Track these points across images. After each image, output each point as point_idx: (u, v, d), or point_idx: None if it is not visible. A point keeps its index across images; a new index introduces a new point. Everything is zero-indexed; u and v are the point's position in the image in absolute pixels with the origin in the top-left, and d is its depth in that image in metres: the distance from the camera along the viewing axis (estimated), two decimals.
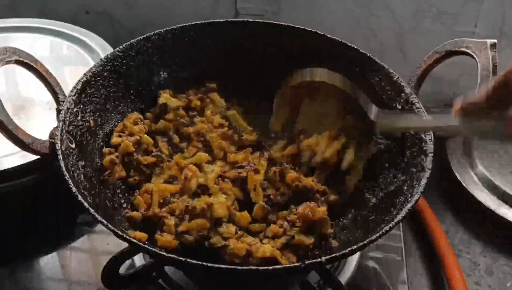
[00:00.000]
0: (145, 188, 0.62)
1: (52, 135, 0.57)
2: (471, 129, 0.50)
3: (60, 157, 0.53)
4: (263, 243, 0.57)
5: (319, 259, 0.47)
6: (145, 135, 0.67)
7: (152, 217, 0.59)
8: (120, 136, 0.65)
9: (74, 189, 0.51)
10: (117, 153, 0.63)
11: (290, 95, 0.67)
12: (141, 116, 0.69)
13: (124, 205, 0.62)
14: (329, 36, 0.71)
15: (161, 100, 0.71)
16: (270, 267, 0.47)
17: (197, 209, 0.57)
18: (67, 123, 0.58)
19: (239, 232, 0.58)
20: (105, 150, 0.64)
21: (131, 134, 0.66)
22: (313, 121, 0.68)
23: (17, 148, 0.56)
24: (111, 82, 0.67)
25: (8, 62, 0.57)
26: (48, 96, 0.63)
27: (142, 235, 0.55)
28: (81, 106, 0.61)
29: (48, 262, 0.72)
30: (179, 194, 0.62)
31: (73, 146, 0.58)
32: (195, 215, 0.58)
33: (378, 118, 0.61)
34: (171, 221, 0.58)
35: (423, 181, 0.54)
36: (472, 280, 0.72)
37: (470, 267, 0.74)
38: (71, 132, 0.58)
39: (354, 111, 0.63)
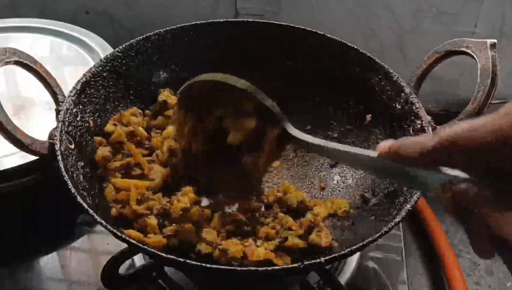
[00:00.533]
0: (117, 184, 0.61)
1: (51, 136, 0.57)
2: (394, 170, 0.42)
3: (59, 157, 0.53)
4: (257, 245, 0.57)
5: (318, 260, 0.47)
6: (140, 128, 0.67)
7: (128, 215, 0.58)
8: (115, 124, 0.65)
9: (73, 190, 0.51)
10: (110, 148, 0.63)
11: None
12: (140, 111, 0.69)
13: None
14: (329, 36, 0.71)
15: (161, 98, 0.71)
16: (269, 268, 0.47)
17: (173, 214, 0.57)
18: (67, 123, 0.58)
19: (221, 234, 0.58)
20: (96, 138, 0.63)
21: (126, 125, 0.66)
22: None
23: (17, 148, 0.56)
24: (111, 83, 0.67)
25: (7, 63, 0.57)
26: (48, 96, 0.62)
27: (138, 235, 0.55)
28: (80, 107, 0.61)
29: (48, 262, 0.72)
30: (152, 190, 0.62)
31: (73, 146, 0.58)
32: (173, 218, 0.57)
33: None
34: (153, 221, 0.57)
35: None
36: (472, 280, 0.72)
37: (470, 267, 0.74)
38: (71, 133, 0.58)
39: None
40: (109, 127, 0.65)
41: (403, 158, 0.40)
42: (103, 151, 0.62)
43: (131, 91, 0.70)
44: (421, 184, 0.40)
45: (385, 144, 0.41)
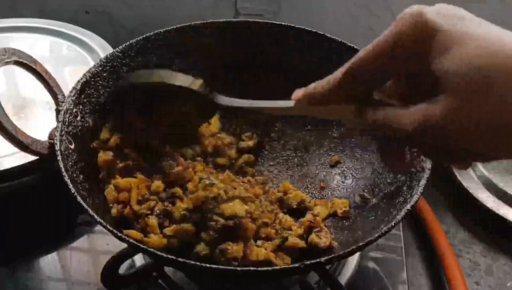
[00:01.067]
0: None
1: (51, 136, 0.57)
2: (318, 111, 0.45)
3: (59, 158, 0.53)
4: (257, 245, 0.57)
5: (318, 260, 0.47)
6: None
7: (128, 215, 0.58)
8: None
9: (73, 190, 0.51)
10: (111, 153, 0.62)
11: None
12: None
13: None
14: (329, 36, 0.71)
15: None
16: (270, 268, 0.47)
17: (176, 216, 0.57)
18: (67, 123, 0.58)
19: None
20: (94, 144, 0.62)
21: None
22: None
23: (17, 148, 0.56)
24: (111, 83, 0.67)
25: (7, 63, 0.57)
26: (48, 96, 0.63)
27: (138, 235, 0.55)
28: (80, 107, 0.61)
29: (48, 262, 0.72)
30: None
31: (73, 146, 0.57)
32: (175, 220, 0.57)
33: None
34: (153, 221, 0.57)
35: (423, 182, 0.54)
36: (472, 280, 0.72)
37: (470, 267, 0.74)
38: (71, 133, 0.58)
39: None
40: (104, 134, 0.64)
41: (317, 99, 0.43)
42: (106, 155, 0.61)
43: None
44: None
45: (298, 91, 0.45)
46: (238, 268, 0.51)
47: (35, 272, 0.70)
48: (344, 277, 0.67)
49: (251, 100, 0.53)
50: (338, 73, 0.41)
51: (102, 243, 0.73)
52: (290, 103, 0.47)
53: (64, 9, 1.07)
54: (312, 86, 0.44)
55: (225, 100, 0.56)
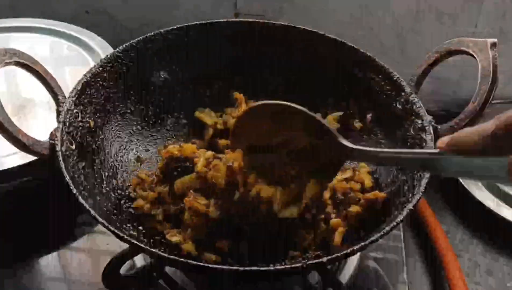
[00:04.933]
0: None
1: (52, 136, 0.57)
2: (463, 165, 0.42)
3: (61, 158, 0.53)
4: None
5: (320, 259, 0.47)
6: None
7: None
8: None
9: (74, 191, 0.51)
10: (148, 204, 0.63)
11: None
12: None
13: (125, 206, 0.63)
14: (329, 36, 0.71)
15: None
16: (272, 268, 0.47)
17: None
18: (67, 124, 0.58)
19: None
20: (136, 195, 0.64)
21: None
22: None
23: (17, 148, 0.56)
24: (111, 83, 0.67)
25: (7, 64, 0.57)
26: (48, 97, 0.62)
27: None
28: (81, 107, 0.61)
29: (48, 262, 0.72)
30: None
31: (73, 147, 0.58)
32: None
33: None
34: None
35: (424, 182, 0.54)
36: (472, 280, 0.72)
37: (470, 267, 0.74)
38: (71, 133, 0.58)
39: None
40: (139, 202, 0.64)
41: (463, 147, 0.40)
42: (146, 206, 0.63)
43: (132, 92, 0.70)
44: (485, 171, 0.41)
45: (444, 138, 0.42)
46: (240, 268, 0.51)
47: (35, 272, 0.70)
48: (344, 277, 0.67)
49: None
50: (492, 125, 0.38)
51: (102, 243, 0.73)
52: (432, 150, 0.45)
53: (64, 9, 1.07)
54: (458, 133, 0.41)
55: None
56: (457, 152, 0.41)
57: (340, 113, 0.72)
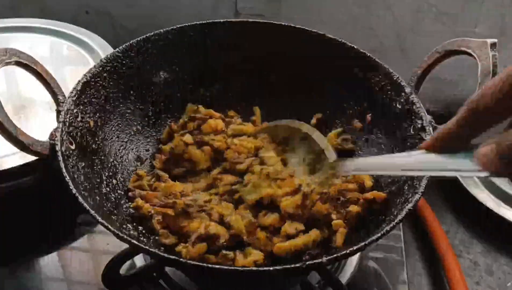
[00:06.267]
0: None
1: (52, 136, 0.57)
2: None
3: (61, 158, 0.53)
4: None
5: (320, 260, 0.47)
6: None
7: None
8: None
9: (74, 191, 0.51)
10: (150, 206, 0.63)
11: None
12: None
13: (125, 206, 0.63)
14: (329, 36, 0.71)
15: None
16: (271, 268, 0.47)
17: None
18: (67, 124, 0.58)
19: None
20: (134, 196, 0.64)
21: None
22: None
23: (17, 148, 0.56)
24: (111, 83, 0.67)
25: (8, 64, 0.57)
26: (48, 97, 0.62)
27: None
28: (81, 107, 0.61)
29: (48, 262, 0.72)
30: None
31: (73, 147, 0.57)
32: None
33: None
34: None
35: (424, 182, 0.54)
36: (472, 280, 0.72)
37: (470, 267, 0.74)
38: (71, 133, 0.58)
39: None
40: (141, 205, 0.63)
41: (442, 139, 0.42)
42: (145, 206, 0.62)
43: (132, 92, 0.70)
44: (457, 165, 0.42)
45: (425, 142, 0.44)
46: (239, 268, 0.51)
47: (35, 272, 0.70)
48: (344, 277, 0.67)
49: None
50: (462, 110, 0.40)
51: (102, 243, 0.73)
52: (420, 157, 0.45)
53: (64, 9, 1.07)
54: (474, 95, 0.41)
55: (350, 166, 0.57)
56: (440, 147, 0.43)
57: (340, 130, 0.73)
